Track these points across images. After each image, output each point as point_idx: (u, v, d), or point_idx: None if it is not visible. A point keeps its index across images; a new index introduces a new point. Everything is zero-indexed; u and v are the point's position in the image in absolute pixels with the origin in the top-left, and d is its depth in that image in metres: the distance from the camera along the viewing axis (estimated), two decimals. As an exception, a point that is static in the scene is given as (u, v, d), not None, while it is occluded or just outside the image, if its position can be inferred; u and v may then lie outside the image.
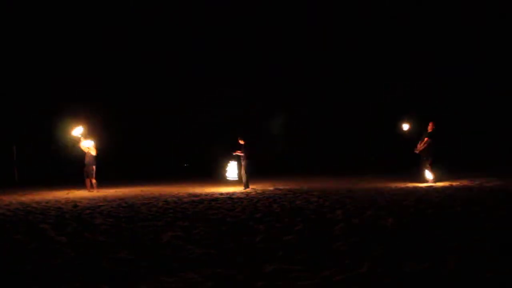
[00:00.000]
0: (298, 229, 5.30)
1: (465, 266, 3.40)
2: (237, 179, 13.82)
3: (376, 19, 27.46)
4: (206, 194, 10.98)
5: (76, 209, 8.51)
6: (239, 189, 12.63)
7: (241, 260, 3.92)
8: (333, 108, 28.99)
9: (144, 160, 28.61)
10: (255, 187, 12.73)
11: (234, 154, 13.33)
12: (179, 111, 29.75)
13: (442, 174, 12.64)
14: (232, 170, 13.97)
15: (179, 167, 29.59)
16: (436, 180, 11.92)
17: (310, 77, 28.88)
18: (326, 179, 15.35)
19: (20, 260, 4.12)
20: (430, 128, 12.31)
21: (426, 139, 12.19)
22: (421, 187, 10.61)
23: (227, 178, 14.09)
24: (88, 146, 13.72)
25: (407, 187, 10.93)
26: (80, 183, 15.12)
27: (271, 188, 12.31)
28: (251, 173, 13.05)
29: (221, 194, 10.99)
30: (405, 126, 13.59)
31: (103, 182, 15.07)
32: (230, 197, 9.89)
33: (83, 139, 13.72)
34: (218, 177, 16.45)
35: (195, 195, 10.77)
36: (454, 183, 11.29)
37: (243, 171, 12.89)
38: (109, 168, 20.01)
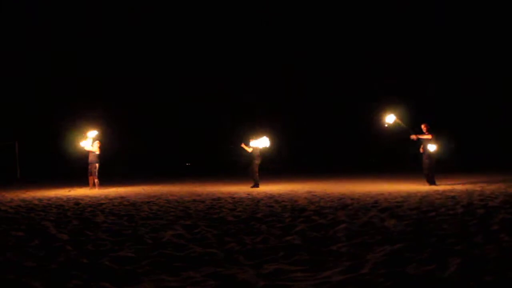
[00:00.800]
0: (299, 229, 5.30)
1: (467, 269, 3.39)
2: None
3: (376, 19, 27.41)
4: (208, 193, 10.99)
5: (78, 206, 8.53)
6: (241, 188, 12.63)
7: (242, 260, 3.92)
8: (334, 109, 28.96)
9: (146, 159, 28.65)
10: (253, 188, 12.72)
11: (241, 146, 13.36)
12: (181, 110, 29.77)
13: (444, 176, 12.61)
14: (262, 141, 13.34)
15: (181, 166, 29.62)
16: (433, 182, 11.88)
17: (311, 77, 28.85)
18: (329, 180, 15.33)
19: (21, 257, 4.13)
20: (424, 129, 12.20)
21: (428, 135, 12.04)
22: (423, 189, 10.59)
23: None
24: (90, 146, 13.76)
25: (408, 189, 10.91)
26: (82, 181, 15.17)
27: (273, 188, 12.31)
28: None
29: (223, 193, 10.99)
30: (391, 118, 12.53)
31: (105, 180, 15.09)
32: (231, 197, 9.89)
33: (87, 140, 13.78)
34: (219, 176, 16.46)
35: (197, 194, 10.78)
36: (456, 186, 11.26)
37: (253, 170, 12.96)
38: (112, 166, 20.03)
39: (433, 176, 12.00)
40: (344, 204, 7.82)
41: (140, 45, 28.65)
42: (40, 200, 10.18)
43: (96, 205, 8.62)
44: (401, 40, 27.16)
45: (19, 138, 23.31)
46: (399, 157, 19.95)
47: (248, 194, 10.69)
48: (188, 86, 29.09)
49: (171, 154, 30.46)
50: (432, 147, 12.00)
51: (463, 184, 11.84)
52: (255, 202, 8.65)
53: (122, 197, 10.37)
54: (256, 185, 12.91)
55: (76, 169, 18.37)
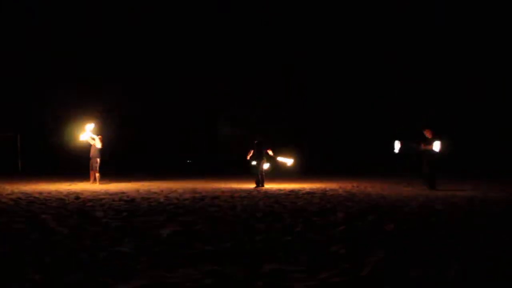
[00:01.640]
0: (298, 230, 5.29)
1: (466, 274, 3.37)
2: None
3: (375, 19, 27.38)
4: (208, 191, 10.99)
5: (78, 201, 8.54)
6: (242, 187, 12.63)
7: (240, 259, 3.91)
8: (335, 110, 28.94)
9: (147, 155, 28.69)
10: (259, 188, 12.72)
11: (248, 158, 13.42)
12: (181, 110, 29.81)
13: (446, 181, 12.57)
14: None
15: (182, 163, 29.64)
16: (434, 186, 11.83)
17: (311, 77, 28.85)
18: (329, 181, 15.32)
19: (21, 250, 4.13)
20: (429, 135, 12.11)
21: (433, 143, 11.96)
22: (424, 193, 10.56)
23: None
24: (90, 139, 13.78)
25: (409, 192, 10.89)
26: (82, 175, 15.19)
27: (274, 188, 12.30)
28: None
29: (223, 191, 10.99)
30: (397, 145, 12.50)
31: (106, 175, 15.11)
32: (231, 195, 9.88)
33: (90, 134, 13.81)
34: (220, 174, 16.46)
35: (197, 192, 10.78)
36: (457, 191, 11.23)
37: (260, 169, 13.10)
38: (113, 161, 20.06)
39: (434, 180, 11.94)
40: (344, 206, 7.81)
41: (140, 45, 28.69)
42: (40, 193, 10.20)
43: (96, 200, 8.63)
44: (401, 40, 27.13)
45: (21, 131, 23.39)
46: (400, 160, 19.92)
47: (249, 193, 10.69)
48: (188, 86, 29.12)
49: (172, 151, 30.49)
50: (436, 147, 11.89)
51: (464, 189, 11.81)
52: (255, 201, 8.64)
53: (122, 193, 10.38)
54: (261, 184, 13.00)
55: (77, 163, 18.41)
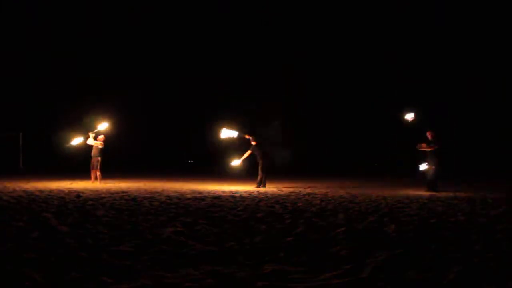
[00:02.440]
0: (299, 231, 5.29)
1: (466, 277, 3.38)
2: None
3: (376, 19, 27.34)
4: (209, 191, 10.99)
5: (79, 199, 8.55)
6: (243, 187, 12.64)
7: (241, 259, 3.92)
8: (335, 110, 28.92)
9: (149, 155, 28.71)
10: (259, 188, 12.71)
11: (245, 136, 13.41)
12: (181, 110, 29.82)
13: (446, 183, 12.55)
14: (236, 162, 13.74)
15: (184, 163, 29.65)
16: (436, 189, 11.79)
17: (311, 77, 28.83)
18: (330, 183, 15.32)
19: (22, 249, 4.14)
20: (430, 137, 12.10)
21: (434, 146, 11.95)
22: (424, 195, 10.55)
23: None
24: (92, 140, 13.81)
25: (410, 194, 10.88)
26: (84, 174, 15.20)
27: (274, 189, 12.30)
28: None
29: (224, 192, 11.00)
30: (409, 116, 12.78)
31: (107, 174, 15.13)
32: (232, 196, 9.89)
33: (92, 135, 13.82)
34: (222, 174, 16.47)
35: (198, 192, 10.78)
36: (458, 193, 11.22)
37: (259, 170, 12.99)
38: (115, 161, 20.09)
39: (436, 183, 11.89)
40: (345, 207, 7.81)
41: (140, 45, 28.72)
42: (42, 191, 10.22)
43: (97, 199, 8.64)
44: (401, 40, 27.11)
45: (24, 129, 23.41)
46: (402, 162, 19.88)
47: (249, 193, 10.69)
48: (188, 86, 29.12)
49: (173, 151, 30.51)
50: (437, 154, 11.90)
51: (465, 191, 11.79)
52: (256, 202, 8.65)
53: (123, 192, 10.39)
54: (260, 184, 12.94)
55: (78, 162, 18.43)
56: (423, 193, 11.31)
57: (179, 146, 30.88)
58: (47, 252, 3.99)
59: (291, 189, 12.12)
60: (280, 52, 28.59)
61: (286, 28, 28.68)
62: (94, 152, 13.84)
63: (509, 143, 23.40)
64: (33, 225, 5.38)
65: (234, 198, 9.26)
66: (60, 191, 10.46)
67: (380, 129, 26.17)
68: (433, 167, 11.90)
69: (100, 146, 13.82)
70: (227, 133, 13.43)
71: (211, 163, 26.25)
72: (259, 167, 13.13)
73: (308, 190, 11.78)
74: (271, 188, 12.49)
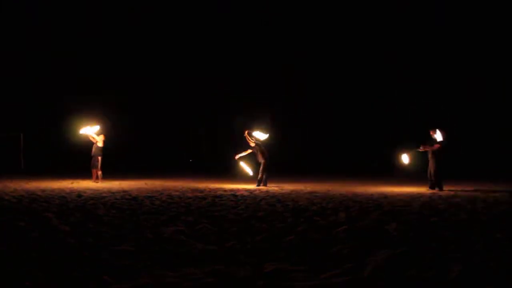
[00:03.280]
0: (300, 230, 5.29)
1: (467, 276, 3.37)
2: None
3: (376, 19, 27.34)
4: (210, 190, 11.00)
5: (80, 199, 8.56)
6: (244, 186, 12.64)
7: (242, 258, 3.91)
8: (335, 110, 28.93)
9: (150, 154, 28.73)
10: (260, 187, 12.71)
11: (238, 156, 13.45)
12: (187, 107, 29.82)
13: (448, 181, 12.54)
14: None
15: (185, 162, 29.67)
16: (441, 187, 11.78)
17: (314, 78, 28.84)
18: (331, 181, 15.32)
19: (23, 248, 4.14)
20: (433, 135, 12.05)
21: (436, 145, 11.92)
22: (426, 194, 10.55)
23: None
24: (94, 135, 13.84)
25: (411, 192, 10.88)
26: (85, 173, 15.22)
27: (276, 188, 12.30)
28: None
29: (225, 191, 11.00)
30: (405, 158, 12.73)
31: (108, 173, 15.14)
32: (233, 195, 9.89)
33: (93, 134, 13.85)
34: (223, 174, 16.47)
35: (199, 191, 10.79)
36: (460, 191, 11.21)
37: (260, 169, 13.05)
38: (115, 160, 20.10)
39: (440, 181, 11.83)
40: (346, 206, 7.80)
41: (140, 45, 28.72)
42: (43, 191, 10.23)
43: (98, 198, 8.65)
44: (401, 40, 27.09)
45: (25, 130, 23.45)
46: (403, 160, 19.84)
47: (250, 192, 10.69)
48: (188, 86, 29.12)
49: (174, 150, 30.52)
50: (439, 137, 11.85)
51: (467, 190, 11.79)
52: (257, 200, 8.65)
53: (124, 191, 10.39)
54: (260, 183, 12.95)
55: (79, 162, 18.45)
56: (425, 191, 11.30)
57: (179, 145, 30.90)
58: (48, 252, 3.99)
59: (292, 188, 12.12)
60: (280, 52, 28.59)
61: (286, 28, 28.68)
62: (94, 151, 13.85)
63: (509, 143, 23.38)
64: (34, 224, 5.38)
65: (235, 197, 9.26)
66: (61, 190, 10.48)
67: (380, 129, 26.17)
68: (435, 165, 11.86)
69: (101, 145, 13.83)
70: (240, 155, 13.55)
71: (212, 162, 26.27)
72: (261, 167, 13.13)
73: (309, 189, 11.78)
74: (272, 187, 12.49)
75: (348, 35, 28.23)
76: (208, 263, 3.71)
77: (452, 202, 8.66)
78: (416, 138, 12.77)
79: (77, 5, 27.41)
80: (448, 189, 11.71)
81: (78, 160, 18.89)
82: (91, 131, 13.84)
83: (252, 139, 13.17)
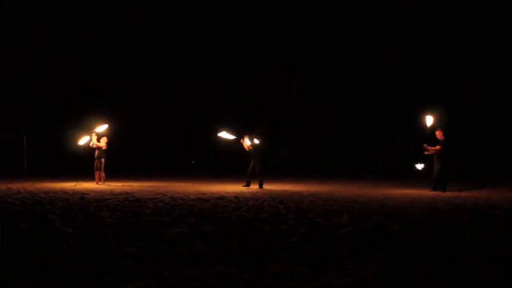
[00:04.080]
0: (303, 231, 5.30)
1: (469, 277, 3.39)
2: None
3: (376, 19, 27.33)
4: (213, 192, 11.01)
5: (83, 201, 8.58)
6: (246, 188, 12.64)
7: (245, 260, 3.93)
8: (336, 110, 28.91)
9: (153, 156, 28.74)
10: (261, 189, 12.72)
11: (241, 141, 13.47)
12: (187, 108, 29.83)
13: (451, 183, 12.51)
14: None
15: (187, 164, 29.68)
16: (445, 189, 11.72)
17: (314, 78, 28.83)
18: (334, 183, 15.31)
19: (26, 249, 4.17)
20: (439, 135, 12.01)
21: (438, 146, 11.89)
22: (429, 195, 10.54)
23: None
24: (95, 141, 13.87)
25: (414, 194, 10.87)
26: (88, 176, 15.24)
27: (278, 189, 12.31)
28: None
29: (228, 192, 11.01)
30: (429, 120, 12.40)
31: (111, 175, 15.16)
32: (236, 196, 9.90)
33: (94, 136, 13.88)
34: (224, 175, 16.48)
35: (202, 193, 10.80)
36: (462, 193, 11.20)
37: (259, 170, 13.06)
38: (118, 162, 20.13)
39: (444, 183, 11.76)
40: (349, 207, 7.81)
41: (140, 45, 28.75)
42: (46, 193, 10.26)
43: (101, 200, 8.67)
44: (401, 40, 27.08)
45: (28, 131, 23.50)
46: (406, 161, 19.82)
47: (253, 194, 10.70)
48: (188, 86, 29.13)
49: (177, 152, 30.54)
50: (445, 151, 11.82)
51: (470, 191, 11.78)
52: (260, 202, 8.66)
53: (127, 193, 10.41)
54: (247, 184, 12.96)
55: (82, 164, 18.49)
56: (427, 193, 11.29)
57: (181, 147, 30.91)
58: (51, 253, 4.02)
59: (294, 190, 12.13)
60: (280, 52, 28.59)
61: (286, 28, 28.68)
62: (97, 153, 13.89)
63: (509, 143, 23.34)
64: (37, 226, 5.41)
65: (237, 199, 9.28)
66: (64, 192, 10.50)
67: (380, 130, 26.16)
68: (440, 166, 11.80)
69: (104, 148, 13.87)
70: (225, 135, 13.67)
71: (214, 164, 26.28)
72: (257, 169, 13.12)
73: (311, 191, 11.79)
74: (275, 189, 12.50)
75: (348, 35, 28.21)
76: (211, 264, 3.73)
77: (454, 203, 8.66)
78: (416, 138, 12.73)
79: (77, 5, 27.46)
80: (450, 191, 11.68)
81: (81, 162, 18.93)
82: (93, 138, 13.89)
83: (250, 144, 13.22)
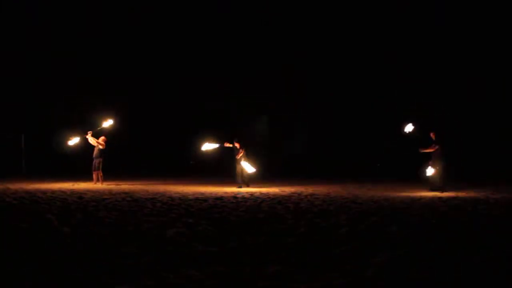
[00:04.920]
0: (301, 231, 5.30)
1: (467, 277, 3.38)
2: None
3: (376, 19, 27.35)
4: (211, 193, 11.00)
5: (81, 201, 8.56)
6: (244, 189, 12.65)
7: (243, 260, 3.92)
8: (336, 110, 28.92)
9: (151, 156, 28.70)
10: (260, 189, 12.71)
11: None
12: (187, 108, 29.81)
13: (449, 183, 12.51)
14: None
15: (185, 165, 29.64)
16: (443, 189, 11.73)
17: (314, 78, 28.83)
18: (332, 183, 15.31)
19: (25, 250, 4.15)
20: (433, 137, 12.05)
21: (435, 147, 11.91)
22: (427, 196, 10.54)
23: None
24: (96, 140, 13.84)
25: (412, 195, 10.87)
26: (86, 176, 15.21)
27: (276, 190, 12.30)
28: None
29: (226, 193, 11.01)
30: (409, 127, 12.72)
31: (109, 175, 15.14)
32: (234, 197, 9.89)
33: (90, 135, 13.84)
34: (223, 176, 16.48)
35: (200, 193, 10.79)
36: (460, 194, 11.20)
37: (245, 171, 13.22)
38: (116, 162, 20.10)
39: (443, 184, 11.78)
40: (347, 208, 7.81)
41: (140, 45, 28.71)
42: (44, 193, 10.23)
43: (99, 200, 8.65)
44: (401, 40, 27.09)
45: (26, 131, 23.45)
46: (404, 163, 19.83)
47: (251, 194, 10.70)
48: (188, 86, 29.11)
49: (175, 153, 30.50)
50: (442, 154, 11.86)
51: (468, 192, 11.78)
52: (258, 202, 8.65)
53: (125, 193, 10.40)
54: (241, 186, 13.12)
55: (80, 164, 18.45)
56: (426, 193, 11.29)
57: (179, 147, 30.88)
58: (49, 253, 4.00)
59: (292, 190, 12.12)
60: (280, 52, 28.58)
61: (286, 28, 28.67)
62: (95, 153, 13.86)
63: (509, 143, 23.35)
64: (35, 226, 5.39)
65: (236, 199, 9.27)
66: (62, 192, 10.48)
67: (380, 130, 26.16)
68: (438, 167, 11.83)
69: (102, 147, 13.84)
70: (209, 146, 13.83)
71: (212, 165, 26.26)
72: (244, 172, 13.40)
73: (310, 191, 11.79)
74: (272, 189, 12.50)
75: (348, 35, 28.20)
76: (210, 265, 3.72)
77: (452, 204, 8.66)
78: (416, 138, 12.74)
79: (77, 5, 27.42)
80: (448, 191, 11.69)
81: (79, 162, 18.88)
82: (92, 139, 13.85)
83: (241, 151, 13.37)
